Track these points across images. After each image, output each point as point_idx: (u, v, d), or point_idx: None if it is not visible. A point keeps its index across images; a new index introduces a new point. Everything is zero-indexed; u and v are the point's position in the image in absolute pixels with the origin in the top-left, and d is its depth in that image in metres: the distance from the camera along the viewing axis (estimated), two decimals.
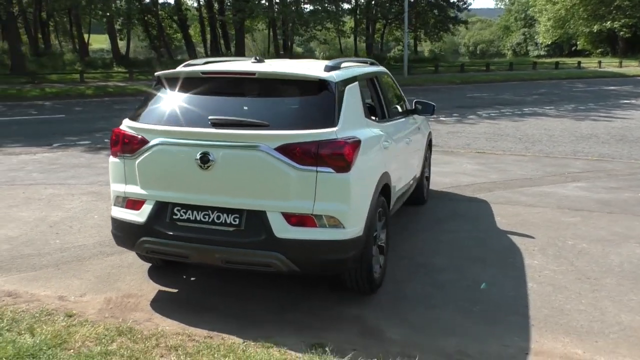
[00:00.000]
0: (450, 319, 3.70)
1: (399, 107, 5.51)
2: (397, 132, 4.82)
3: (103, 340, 3.28)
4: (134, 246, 3.83)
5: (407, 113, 5.60)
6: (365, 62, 5.15)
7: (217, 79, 3.81)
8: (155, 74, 4.01)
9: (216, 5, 34.37)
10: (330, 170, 3.40)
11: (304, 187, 3.41)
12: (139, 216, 3.73)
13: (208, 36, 42.43)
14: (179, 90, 3.84)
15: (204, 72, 3.82)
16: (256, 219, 3.47)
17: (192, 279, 4.38)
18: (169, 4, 42.39)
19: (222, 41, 39.44)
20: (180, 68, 4.13)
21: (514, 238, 5.28)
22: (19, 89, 22.46)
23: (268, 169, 3.40)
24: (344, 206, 3.47)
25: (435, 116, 15.44)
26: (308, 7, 32.48)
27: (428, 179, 6.67)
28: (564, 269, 4.52)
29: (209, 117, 3.56)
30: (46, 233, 5.39)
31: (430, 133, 6.53)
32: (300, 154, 3.37)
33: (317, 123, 3.48)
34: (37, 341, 3.21)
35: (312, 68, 3.88)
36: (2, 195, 6.82)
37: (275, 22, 34.01)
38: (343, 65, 4.14)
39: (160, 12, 43.55)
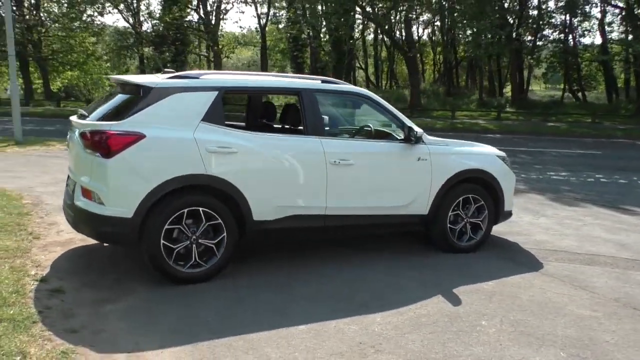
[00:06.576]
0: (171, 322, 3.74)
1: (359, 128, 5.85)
2: (293, 147, 4.74)
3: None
4: None
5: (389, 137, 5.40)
6: (316, 79, 5.14)
7: (116, 85, 5.01)
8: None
9: None
10: (98, 155, 4.15)
11: (87, 166, 4.31)
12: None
13: None
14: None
15: (114, 80, 5.06)
16: (76, 189, 4.47)
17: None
18: (594, 45, 39.97)
19: None
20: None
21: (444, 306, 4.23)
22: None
23: (78, 149, 4.42)
24: (103, 187, 4.18)
25: None
26: None
27: (478, 226, 5.59)
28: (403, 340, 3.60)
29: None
30: None
31: (464, 172, 5.43)
32: (85, 139, 4.28)
33: (112, 117, 4.28)
34: None
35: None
36: None
37: None
38: (205, 76, 4.58)
39: (586, 54, 41.58)
